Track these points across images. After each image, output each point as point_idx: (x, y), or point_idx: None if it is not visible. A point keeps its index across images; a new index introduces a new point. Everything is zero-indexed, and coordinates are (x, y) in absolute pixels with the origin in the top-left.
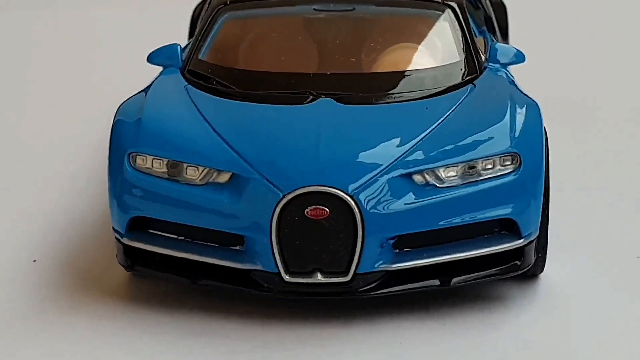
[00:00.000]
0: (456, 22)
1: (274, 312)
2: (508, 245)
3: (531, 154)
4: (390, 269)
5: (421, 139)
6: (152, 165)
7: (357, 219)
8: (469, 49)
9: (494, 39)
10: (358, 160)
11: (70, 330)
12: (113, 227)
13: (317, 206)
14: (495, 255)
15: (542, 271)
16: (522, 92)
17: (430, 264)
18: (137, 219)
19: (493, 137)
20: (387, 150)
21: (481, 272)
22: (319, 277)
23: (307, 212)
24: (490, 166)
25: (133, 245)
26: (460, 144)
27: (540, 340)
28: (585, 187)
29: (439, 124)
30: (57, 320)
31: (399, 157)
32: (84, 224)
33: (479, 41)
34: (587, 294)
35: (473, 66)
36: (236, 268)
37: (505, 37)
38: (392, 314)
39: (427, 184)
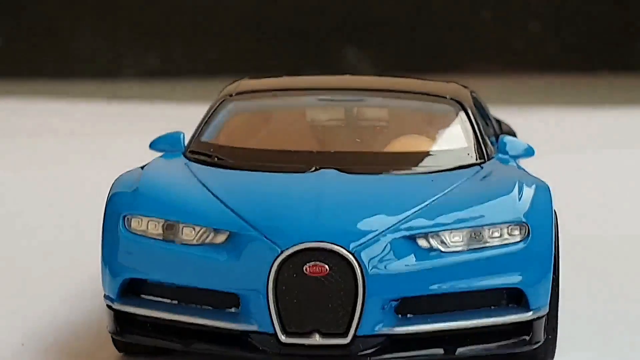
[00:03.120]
0: (464, 115)
1: None
2: (516, 317)
3: (540, 226)
4: (392, 332)
5: (426, 205)
6: (148, 227)
7: (358, 278)
8: (477, 139)
9: None
10: (360, 218)
11: None
12: (104, 295)
13: (317, 263)
14: (503, 330)
15: (552, 358)
16: (531, 175)
17: (434, 330)
18: (129, 284)
19: (501, 207)
20: (391, 212)
21: (488, 344)
22: (317, 339)
23: (306, 269)
24: (497, 234)
25: (124, 310)
26: (466, 211)
27: None
28: (597, 284)
29: (445, 193)
30: None
31: (403, 219)
32: (74, 304)
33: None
34: None
35: (481, 153)
36: (231, 330)
37: None
38: None
39: (432, 248)
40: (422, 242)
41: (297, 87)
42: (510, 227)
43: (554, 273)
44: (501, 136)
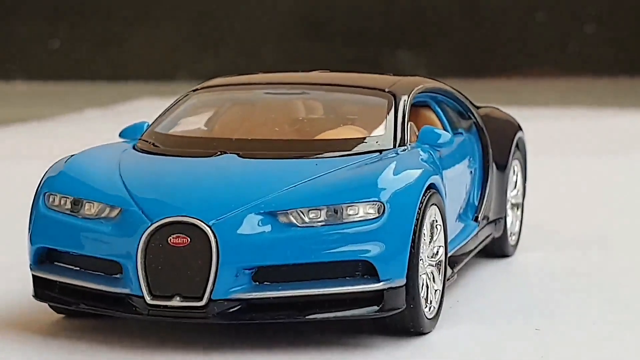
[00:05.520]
0: (393, 106)
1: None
2: (364, 286)
3: (398, 205)
4: (246, 297)
5: (295, 185)
6: (60, 203)
7: (213, 248)
8: (395, 130)
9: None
10: (224, 196)
11: None
12: (29, 264)
13: (180, 234)
14: (356, 299)
15: (421, 325)
16: (424, 162)
17: (287, 296)
18: (46, 252)
19: (360, 186)
20: (257, 192)
21: (339, 312)
22: (177, 301)
23: (170, 240)
24: (353, 212)
25: (38, 274)
26: (328, 191)
27: None
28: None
29: (318, 176)
30: None
31: (267, 198)
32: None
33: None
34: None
35: (394, 142)
36: (113, 293)
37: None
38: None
39: (290, 224)
40: (281, 219)
41: (256, 82)
42: (366, 205)
43: (412, 247)
44: (423, 127)
